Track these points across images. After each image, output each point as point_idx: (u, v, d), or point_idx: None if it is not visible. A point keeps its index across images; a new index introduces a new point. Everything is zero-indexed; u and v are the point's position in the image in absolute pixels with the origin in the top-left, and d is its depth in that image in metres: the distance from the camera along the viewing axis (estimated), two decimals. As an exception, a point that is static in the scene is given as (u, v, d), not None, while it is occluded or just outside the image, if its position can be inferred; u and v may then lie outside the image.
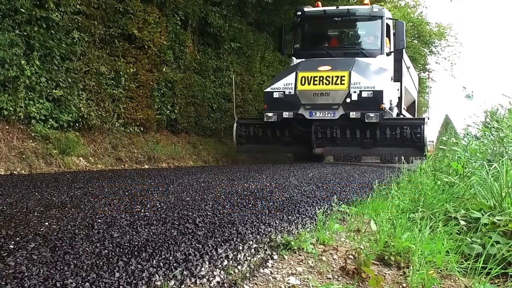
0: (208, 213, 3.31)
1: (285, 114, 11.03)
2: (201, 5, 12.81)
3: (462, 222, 3.33)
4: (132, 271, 2.02)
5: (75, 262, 2.05)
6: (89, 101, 9.15)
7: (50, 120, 8.20)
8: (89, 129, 9.25)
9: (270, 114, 11.15)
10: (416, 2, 30.58)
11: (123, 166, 9.14)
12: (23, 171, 7.08)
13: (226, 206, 3.66)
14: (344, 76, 10.73)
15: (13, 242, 2.30)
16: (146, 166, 9.57)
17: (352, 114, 10.60)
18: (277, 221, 3.27)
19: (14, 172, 6.93)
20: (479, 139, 7.85)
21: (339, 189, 5.53)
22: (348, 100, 10.63)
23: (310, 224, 3.40)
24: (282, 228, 3.11)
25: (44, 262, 2.02)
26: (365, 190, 5.58)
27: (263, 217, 3.35)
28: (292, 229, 3.16)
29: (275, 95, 11.15)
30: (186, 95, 12.22)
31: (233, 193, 4.42)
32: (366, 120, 10.56)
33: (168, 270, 2.09)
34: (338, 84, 10.73)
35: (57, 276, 1.88)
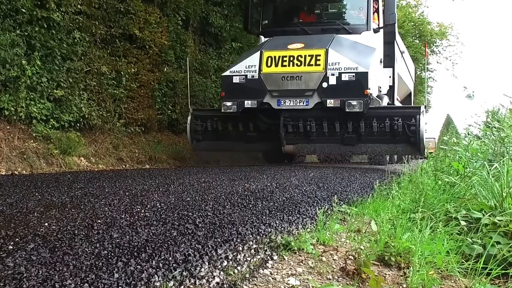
0: (208, 214, 3.31)
1: (247, 104, 9.09)
2: (202, 5, 12.82)
3: (463, 223, 3.32)
4: (132, 271, 2.02)
5: (74, 262, 2.04)
6: (90, 101, 9.17)
7: (51, 120, 8.23)
8: (90, 129, 9.27)
9: (228, 104, 9.20)
10: (417, 1, 30.57)
11: (124, 166, 9.15)
12: (24, 171, 7.09)
13: (227, 206, 3.65)
14: (319, 55, 8.80)
15: (12, 243, 2.30)
16: (147, 166, 9.57)
17: (330, 102, 8.73)
18: (277, 222, 3.26)
19: (15, 172, 6.94)
20: (480, 138, 7.83)
21: (340, 189, 5.52)
22: (324, 84, 8.72)
23: (311, 224, 3.40)
24: (282, 229, 3.11)
25: (43, 263, 2.02)
26: (366, 190, 5.58)
27: (264, 217, 3.35)
28: (293, 230, 3.15)
29: (235, 80, 9.17)
30: (187, 95, 12.21)
31: (233, 193, 4.41)
32: (347, 110, 8.67)
33: (168, 270, 2.09)
34: (312, 65, 8.81)
35: (56, 277, 1.88)
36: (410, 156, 10.78)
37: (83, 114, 8.84)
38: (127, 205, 3.49)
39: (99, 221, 2.88)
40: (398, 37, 12.60)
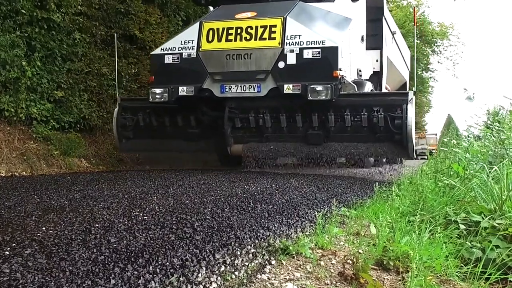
0: (207, 217, 3.29)
1: (182, 91, 7.16)
2: (202, 6, 12.81)
3: (462, 226, 3.31)
4: (128, 277, 2.01)
5: (70, 268, 2.03)
6: (91, 102, 9.18)
7: (52, 121, 8.25)
8: (91, 130, 9.29)
9: (158, 91, 7.27)
10: (418, 1, 30.56)
11: (124, 167, 9.14)
12: (24, 172, 7.10)
13: (225, 209, 3.64)
14: (274, 26, 6.87)
15: (9, 248, 2.29)
16: (148, 167, 9.56)
17: (288, 88, 6.78)
18: (276, 225, 3.25)
19: (15, 173, 6.94)
20: (481, 139, 7.80)
21: (340, 190, 5.50)
22: (281, 64, 6.81)
23: (310, 227, 3.38)
24: (281, 232, 3.09)
25: (40, 269, 2.01)
26: (367, 192, 5.56)
27: (262, 220, 3.33)
28: (291, 233, 3.14)
29: (167, 59, 7.24)
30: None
31: (233, 196, 4.40)
32: (310, 97, 6.71)
33: (165, 276, 2.08)
34: (265, 38, 6.87)
35: (52, 283, 1.87)
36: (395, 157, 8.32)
37: (83, 115, 8.86)
38: (125, 209, 3.49)
39: (97, 225, 2.88)
40: (387, 14, 10.62)
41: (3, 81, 7.40)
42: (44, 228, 2.75)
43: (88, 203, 3.72)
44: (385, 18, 10.02)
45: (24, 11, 7.68)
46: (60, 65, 8.44)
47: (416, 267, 2.57)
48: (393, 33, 11.22)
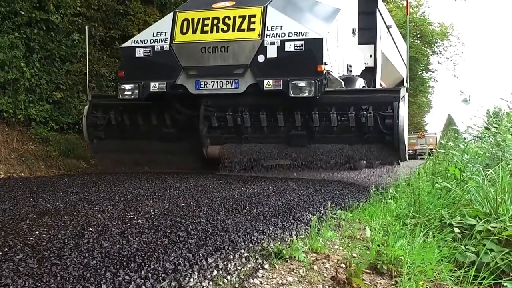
0: (202, 220, 3.29)
1: (154, 87, 6.69)
2: (202, 6, 12.82)
3: (456, 229, 3.31)
4: (119, 282, 2.01)
5: (61, 273, 2.04)
6: (89, 103, 9.17)
7: (50, 122, 8.26)
8: (89, 131, 9.26)
9: (128, 87, 6.80)
10: (418, 2, 30.56)
11: (123, 168, 9.13)
12: (22, 174, 7.11)
13: (221, 212, 3.64)
14: (254, 16, 6.39)
15: (0, 253, 2.29)
16: (147, 168, 9.55)
17: (268, 84, 6.28)
18: (271, 228, 3.25)
19: (14, 174, 6.95)
20: (480, 139, 7.78)
21: (337, 192, 5.51)
22: (260, 58, 6.33)
23: (305, 230, 3.38)
24: (275, 236, 3.09)
25: (30, 274, 2.01)
26: (364, 194, 5.56)
27: (257, 223, 3.33)
28: (286, 236, 3.14)
29: (138, 53, 6.76)
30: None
31: (229, 198, 4.40)
32: (292, 94, 6.21)
33: (156, 281, 2.08)
34: (243, 30, 6.39)
35: (42, 288, 1.88)
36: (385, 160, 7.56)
37: (82, 116, 8.84)
38: (120, 212, 3.49)
39: (90, 229, 2.87)
40: (382, 6, 10.03)
41: (1, 82, 7.42)
42: (37, 232, 2.75)
43: (84, 206, 3.72)
44: (379, 11, 9.54)
45: (22, 12, 7.70)
46: (59, 66, 8.46)
47: (407, 272, 2.57)
48: (388, 27, 10.64)
